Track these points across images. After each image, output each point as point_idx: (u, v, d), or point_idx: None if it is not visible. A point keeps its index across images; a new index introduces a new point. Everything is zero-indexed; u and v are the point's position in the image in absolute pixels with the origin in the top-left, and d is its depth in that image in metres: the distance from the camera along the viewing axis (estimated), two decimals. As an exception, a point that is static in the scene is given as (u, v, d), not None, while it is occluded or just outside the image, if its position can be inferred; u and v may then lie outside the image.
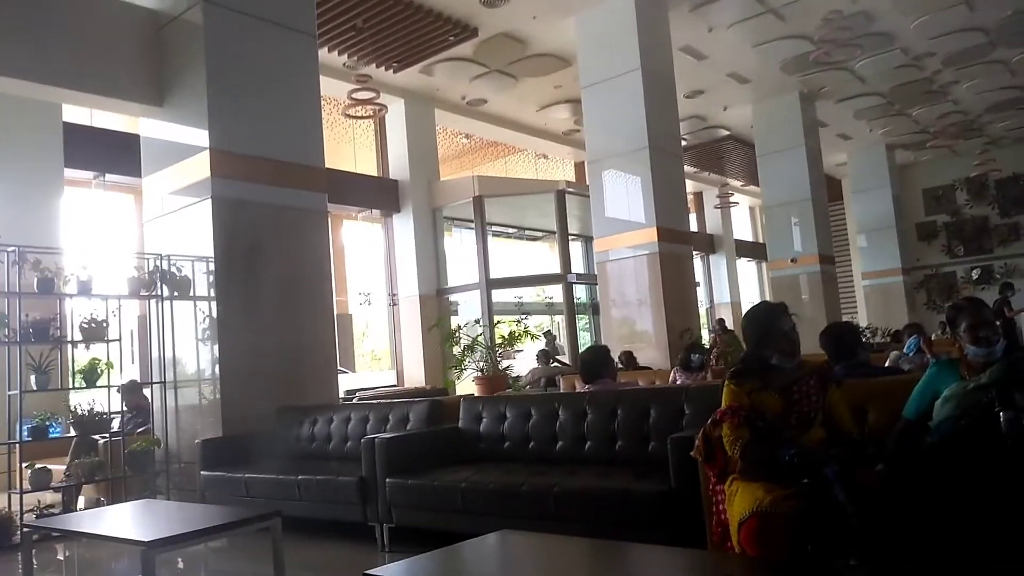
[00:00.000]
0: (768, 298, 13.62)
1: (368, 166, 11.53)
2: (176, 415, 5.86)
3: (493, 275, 10.93)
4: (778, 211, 13.28)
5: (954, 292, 17.08)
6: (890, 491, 2.48)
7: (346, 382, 9.48)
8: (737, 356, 7.67)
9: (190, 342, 5.84)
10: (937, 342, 6.68)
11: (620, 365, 7.65)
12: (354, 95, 9.45)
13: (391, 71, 10.06)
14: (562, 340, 11.53)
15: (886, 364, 5.72)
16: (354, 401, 6.76)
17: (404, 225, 11.07)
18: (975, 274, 17.50)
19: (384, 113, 10.33)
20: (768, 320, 2.83)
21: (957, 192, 17.95)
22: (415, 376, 10.65)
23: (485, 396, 5.44)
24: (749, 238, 19.72)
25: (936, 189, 18.18)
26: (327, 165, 6.81)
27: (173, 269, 5.72)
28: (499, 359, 6.91)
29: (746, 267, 19.15)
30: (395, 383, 10.84)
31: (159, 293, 5.70)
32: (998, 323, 2.79)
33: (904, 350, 6.31)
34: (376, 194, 11.10)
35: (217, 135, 5.82)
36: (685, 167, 12.21)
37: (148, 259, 5.68)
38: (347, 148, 11.68)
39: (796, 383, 2.72)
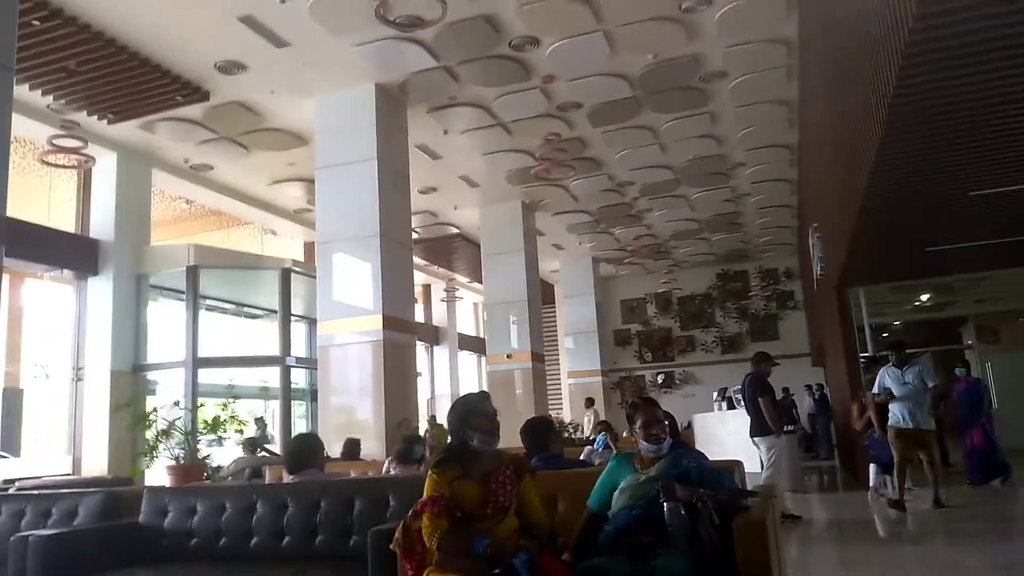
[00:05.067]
0: (486, 390, 14.19)
1: (65, 221, 10.22)
2: None
3: (203, 353, 10.09)
4: (498, 309, 14.08)
5: (643, 393, 19.20)
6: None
7: (5, 469, 8.04)
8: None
9: None
10: (625, 440, 7.38)
11: (336, 456, 7.39)
12: (55, 141, 8.44)
13: (105, 121, 9.16)
14: (276, 427, 10.89)
15: (580, 458, 6.18)
16: (9, 492, 5.69)
17: (101, 290, 9.88)
18: (660, 378, 19.90)
19: (91, 165, 9.33)
20: (471, 403, 2.96)
21: (648, 305, 20.50)
22: (97, 464, 9.29)
23: (174, 487, 4.89)
24: (472, 332, 20.59)
25: (632, 301, 20.61)
26: (10, 214, 5.90)
27: None
28: (198, 446, 6.31)
29: (467, 360, 19.88)
30: (70, 471, 9.37)
31: None
32: (666, 422, 3.16)
33: (594, 445, 6.91)
34: (70, 253, 9.83)
35: None
36: (415, 259, 12.54)
37: None
38: (42, 199, 10.30)
39: (494, 473, 2.81)
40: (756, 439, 7.47)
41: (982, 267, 10.07)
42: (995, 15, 3.51)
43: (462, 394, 3.31)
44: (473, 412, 2.90)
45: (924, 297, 12.64)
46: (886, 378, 7.42)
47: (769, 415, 7.32)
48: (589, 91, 9.31)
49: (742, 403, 11.05)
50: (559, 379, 19.89)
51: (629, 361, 20.36)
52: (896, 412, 7.32)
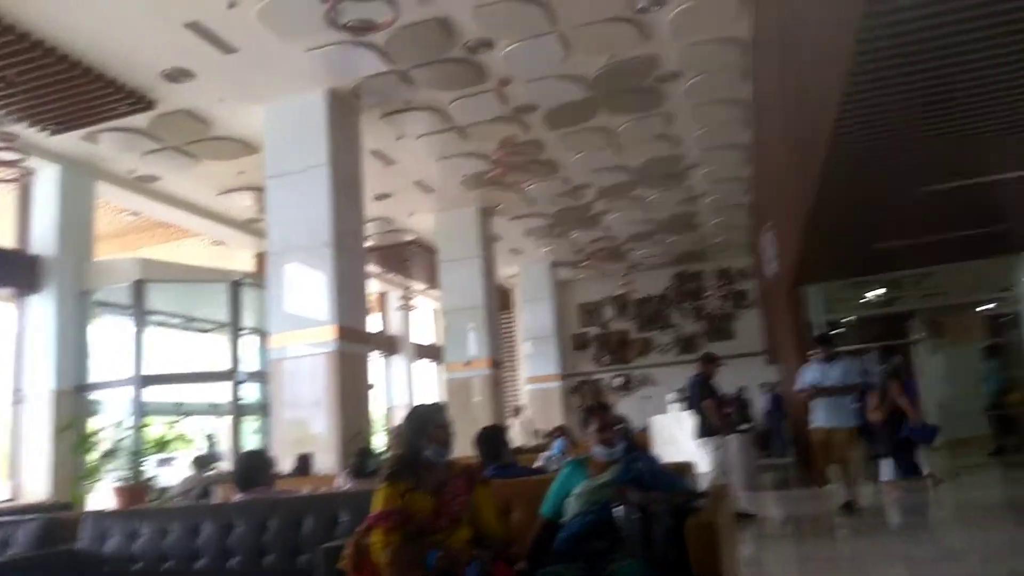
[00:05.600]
0: (444, 398, 14.05)
1: (3, 236, 9.84)
2: None
3: (151, 370, 9.77)
4: (455, 316, 13.93)
5: (601, 397, 19.23)
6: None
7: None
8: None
9: None
10: (583, 444, 7.33)
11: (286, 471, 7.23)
12: (-8, 154, 8.13)
13: (46, 133, 8.84)
14: (227, 444, 10.61)
15: (536, 465, 6.11)
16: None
17: (43, 308, 9.52)
18: (617, 382, 19.97)
19: (30, 178, 9.00)
20: (427, 413, 2.92)
21: (605, 308, 20.58)
22: (39, 489, 8.93)
23: (116, 511, 4.72)
24: (430, 340, 20.41)
25: (589, 304, 20.64)
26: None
27: None
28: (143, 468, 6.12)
29: (426, 368, 19.70)
30: (10, 497, 9.00)
31: None
32: (620, 426, 3.13)
33: (552, 451, 6.85)
34: (9, 269, 9.47)
35: None
36: (371, 267, 12.38)
37: None
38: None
39: (447, 484, 2.76)
40: (700, 440, 7.42)
41: (927, 263, 10.33)
42: (935, 14, 3.57)
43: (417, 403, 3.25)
44: (429, 422, 2.87)
45: (874, 294, 12.92)
46: (810, 373, 7.18)
47: (712, 418, 7.30)
48: (544, 93, 9.28)
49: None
50: (517, 385, 19.83)
51: (587, 365, 20.39)
52: (818, 410, 7.09)
